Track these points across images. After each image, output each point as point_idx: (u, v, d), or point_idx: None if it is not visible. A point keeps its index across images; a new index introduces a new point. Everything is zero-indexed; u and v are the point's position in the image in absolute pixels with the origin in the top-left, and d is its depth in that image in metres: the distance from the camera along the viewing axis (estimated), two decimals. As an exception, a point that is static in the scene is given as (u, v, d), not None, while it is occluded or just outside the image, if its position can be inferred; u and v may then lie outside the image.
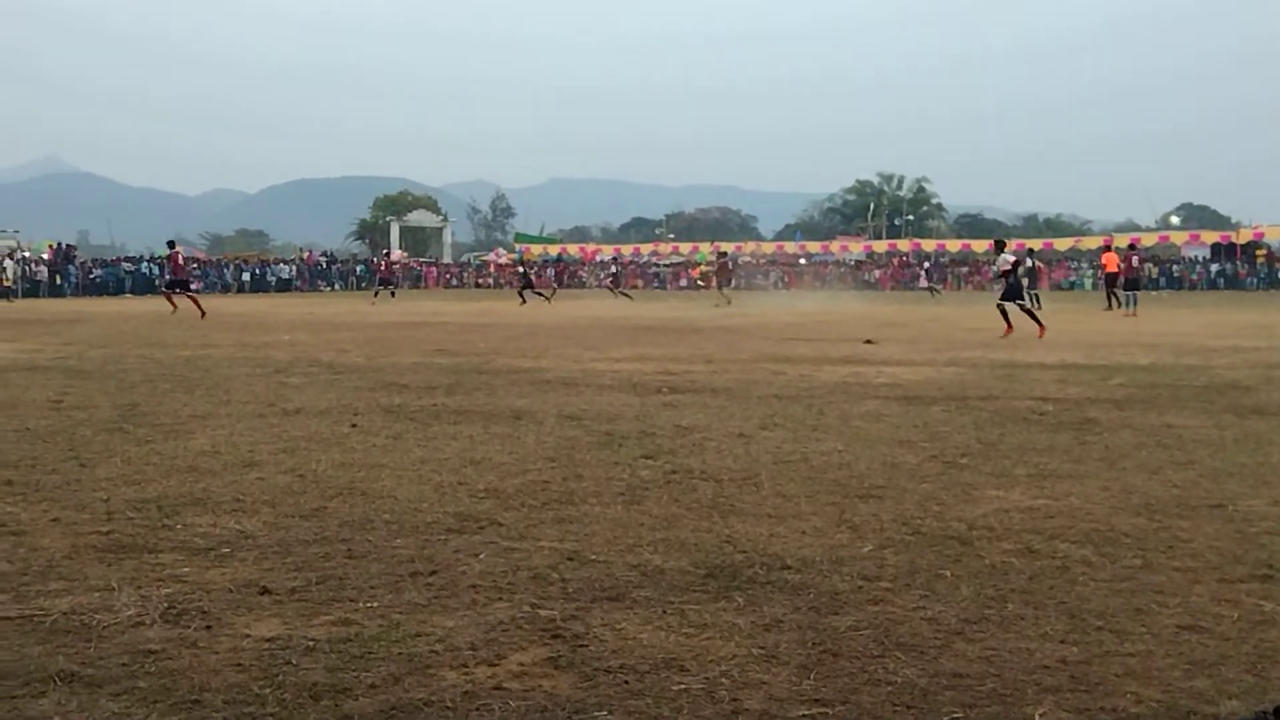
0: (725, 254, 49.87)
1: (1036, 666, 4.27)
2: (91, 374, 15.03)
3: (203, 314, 30.85)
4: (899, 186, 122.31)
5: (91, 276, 62.76)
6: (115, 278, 63.45)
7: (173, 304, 33.68)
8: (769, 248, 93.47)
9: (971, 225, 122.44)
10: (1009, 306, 23.29)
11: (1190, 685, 4.08)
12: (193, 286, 38.29)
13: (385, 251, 67.30)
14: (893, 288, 75.75)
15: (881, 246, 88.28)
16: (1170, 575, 5.43)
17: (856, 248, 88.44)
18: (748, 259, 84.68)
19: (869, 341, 20.84)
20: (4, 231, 72.65)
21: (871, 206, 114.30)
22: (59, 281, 60.05)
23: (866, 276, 79.83)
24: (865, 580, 5.35)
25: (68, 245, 70.31)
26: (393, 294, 50.09)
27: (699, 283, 70.16)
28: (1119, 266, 35.37)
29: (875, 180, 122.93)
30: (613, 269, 60.81)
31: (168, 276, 37.71)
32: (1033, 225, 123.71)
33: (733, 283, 46.58)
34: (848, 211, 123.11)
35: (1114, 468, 8.16)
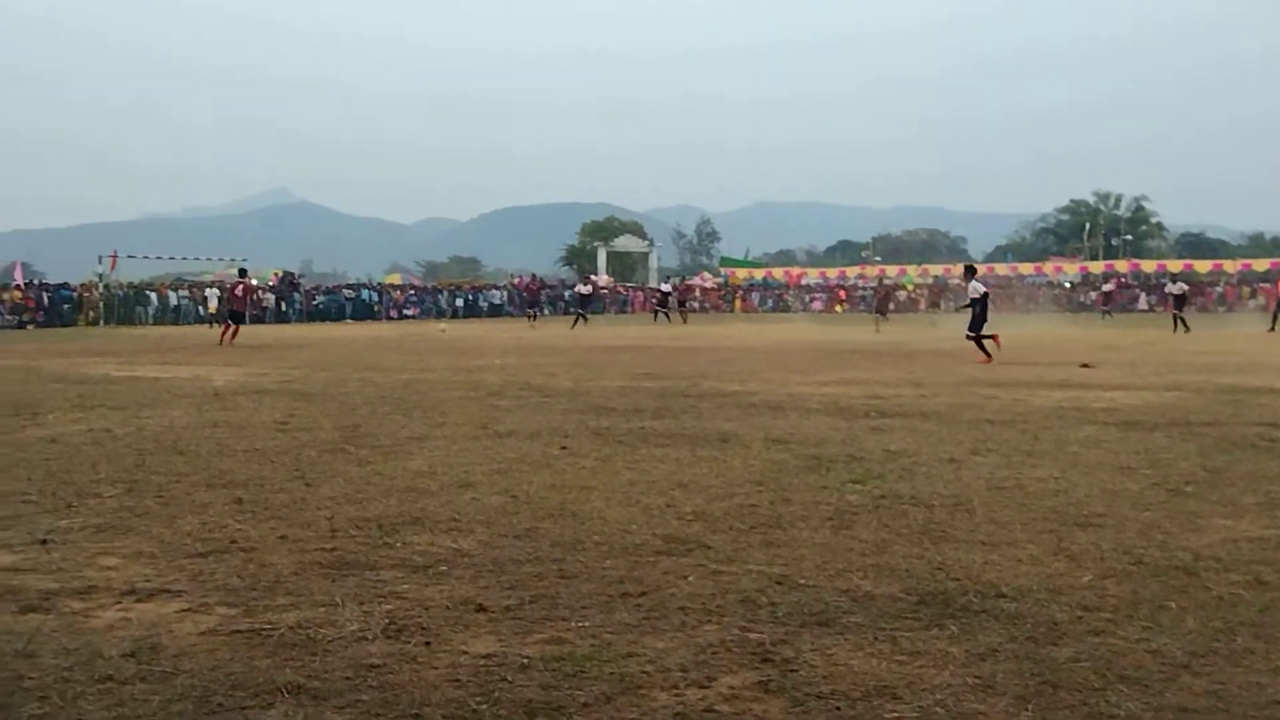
0: (883, 282, 48.60)
1: (1268, 702, 4.09)
2: (315, 397, 15.63)
3: (221, 340, 30.86)
4: (1116, 205, 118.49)
5: (315, 303, 65.20)
6: (337, 304, 65.83)
7: (223, 336, 31.73)
8: (979, 271, 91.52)
9: (1194, 245, 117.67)
10: (976, 336, 23.16)
11: None
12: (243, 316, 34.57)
13: (533, 275, 67.08)
14: (1110, 310, 73.30)
15: (1098, 267, 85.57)
16: None
17: (1071, 269, 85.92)
18: (956, 282, 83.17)
19: (1086, 365, 20.24)
20: (232, 261, 76.22)
21: (1087, 226, 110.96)
22: (284, 308, 62.60)
23: (1082, 298, 77.47)
24: (1085, 610, 5.19)
25: (291, 273, 73.35)
26: (533, 318, 49.49)
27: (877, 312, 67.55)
28: None
29: (1091, 199, 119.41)
30: (664, 288, 59.42)
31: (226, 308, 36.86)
32: (1259, 244, 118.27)
33: (888, 310, 44.93)
34: (1062, 232, 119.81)
35: (1353, 497, 7.75)
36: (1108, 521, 7.07)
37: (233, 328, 31.79)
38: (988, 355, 22.38)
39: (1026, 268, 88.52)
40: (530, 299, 52.38)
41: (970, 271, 26.43)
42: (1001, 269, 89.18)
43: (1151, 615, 5.12)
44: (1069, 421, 12.00)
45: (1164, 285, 57.32)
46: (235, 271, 41.27)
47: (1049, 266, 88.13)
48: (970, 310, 23.79)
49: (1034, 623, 5.02)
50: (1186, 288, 40.59)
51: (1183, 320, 36.75)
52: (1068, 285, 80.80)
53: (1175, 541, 6.52)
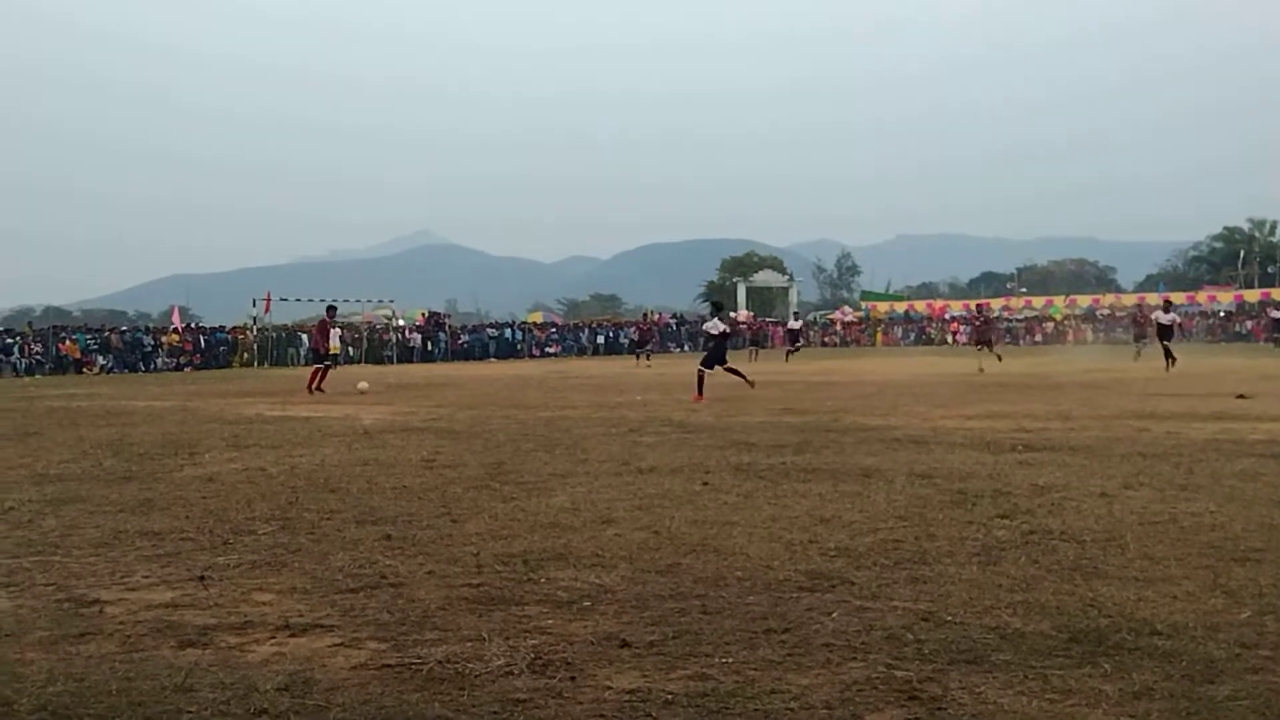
0: (983, 311, 43.10)
1: None
2: (460, 434, 15.87)
3: (310, 386, 27.54)
4: (1272, 232, 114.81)
5: (460, 342, 66.22)
6: (481, 343, 66.79)
7: (312, 385, 27.86)
8: (1129, 300, 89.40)
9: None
10: (711, 371, 22.93)
11: None
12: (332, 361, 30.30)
13: (645, 313, 66.31)
14: (1267, 339, 70.97)
15: (1254, 296, 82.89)
16: None
17: (1226, 298, 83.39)
18: (1105, 312, 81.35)
19: (1242, 396, 19.60)
20: (381, 301, 77.89)
21: (1241, 254, 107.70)
22: (430, 347, 63.76)
23: (1238, 328, 75.09)
24: (1243, 648, 5.03)
25: (438, 313, 74.74)
26: (646, 356, 47.59)
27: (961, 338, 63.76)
28: None
29: (1246, 226, 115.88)
30: (793, 325, 55.68)
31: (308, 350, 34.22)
32: None
33: (993, 342, 38.48)
34: (1215, 260, 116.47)
35: None
36: (1266, 556, 6.84)
37: (321, 371, 28.47)
38: (700, 393, 22.18)
39: (1179, 297, 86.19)
40: (641, 338, 51.79)
41: (716, 308, 26.29)
42: (1152, 299, 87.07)
43: (1315, 654, 4.94)
44: (1224, 454, 11.64)
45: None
46: (385, 313, 40.19)
47: (1202, 295, 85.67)
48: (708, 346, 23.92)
49: (1190, 660, 4.88)
50: None
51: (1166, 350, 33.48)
52: (1222, 314, 78.38)
53: (1340, 578, 6.28)
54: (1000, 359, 36.14)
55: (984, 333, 37.57)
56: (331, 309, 30.79)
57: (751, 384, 23.60)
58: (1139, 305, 44.46)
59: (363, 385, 27.94)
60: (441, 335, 65.84)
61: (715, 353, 23.66)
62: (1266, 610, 5.64)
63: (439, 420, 18.57)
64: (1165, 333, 34.67)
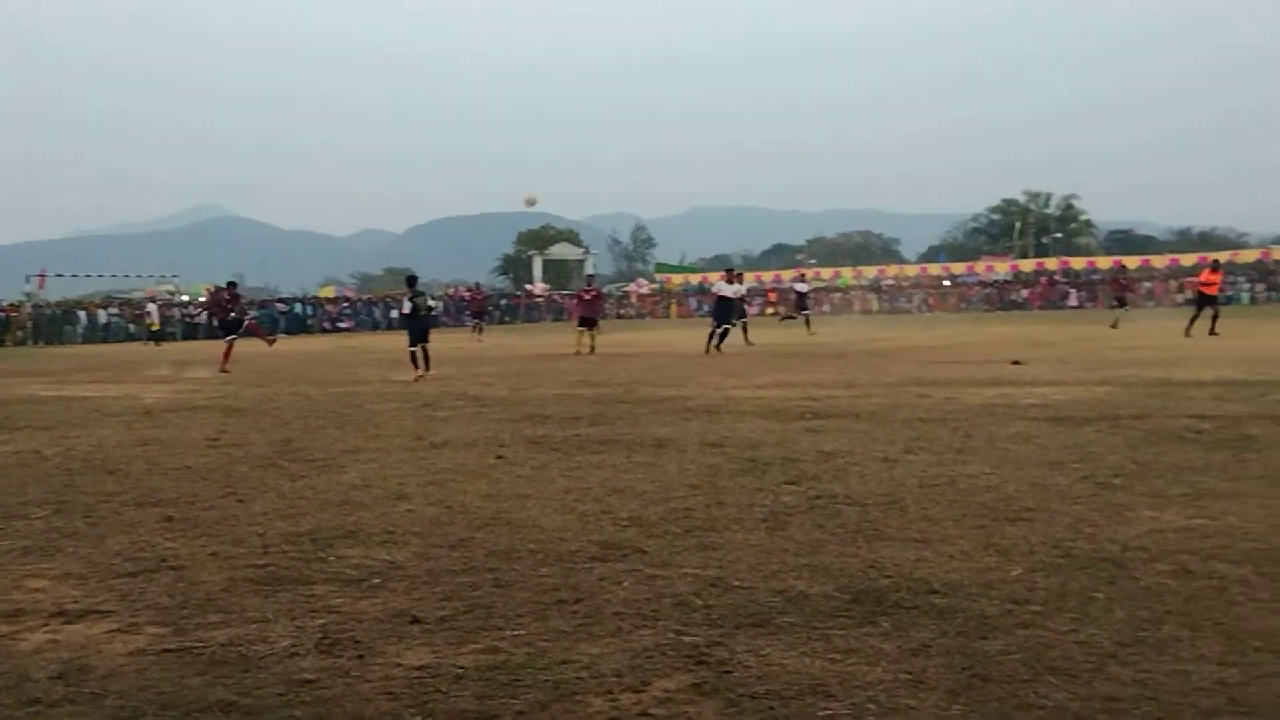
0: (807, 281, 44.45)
1: (1193, 689, 4.15)
2: (247, 412, 15.48)
3: (223, 367, 26.03)
4: (1046, 205, 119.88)
5: (250, 318, 64.45)
6: (269, 318, 65.15)
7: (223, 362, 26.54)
8: (912, 270, 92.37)
9: (1123, 242, 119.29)
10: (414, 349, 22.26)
11: (1358, 708, 3.94)
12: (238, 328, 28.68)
13: (477, 284, 65.67)
14: (1040, 307, 74.20)
15: (1029, 265, 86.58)
16: (1336, 595, 5.24)
17: (1003, 267, 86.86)
18: (890, 282, 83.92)
19: (1017, 362, 20.43)
20: (164, 277, 75.42)
21: (1017, 225, 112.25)
22: (216, 324, 61.93)
23: (1014, 296, 78.31)
24: (1015, 604, 5.25)
25: (223, 287, 72.67)
26: (478, 329, 45.50)
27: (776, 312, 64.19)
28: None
29: (1021, 199, 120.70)
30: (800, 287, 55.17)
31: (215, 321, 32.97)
32: (1186, 240, 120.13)
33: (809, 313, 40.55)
34: (993, 231, 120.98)
35: (1274, 485, 7.90)
36: (1037, 516, 7.15)
37: (228, 345, 27.36)
38: (416, 372, 21.49)
39: (959, 267, 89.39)
40: (477, 310, 51.12)
41: (410, 283, 24.78)
42: (934, 269, 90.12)
43: (1080, 607, 5.19)
44: (1000, 418, 12.12)
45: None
46: (168, 289, 39.19)
47: (980, 265, 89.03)
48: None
49: (965, 617, 5.07)
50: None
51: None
52: (999, 283, 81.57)
53: (1103, 534, 6.61)
54: (799, 326, 37.53)
55: (803, 303, 40.07)
56: (232, 284, 31.15)
57: (419, 378, 21.25)
58: (1121, 268, 45.37)
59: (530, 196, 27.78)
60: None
61: (412, 333, 22.72)
62: (1037, 567, 5.90)
63: (224, 398, 18.05)
64: (802, 302, 39.80)
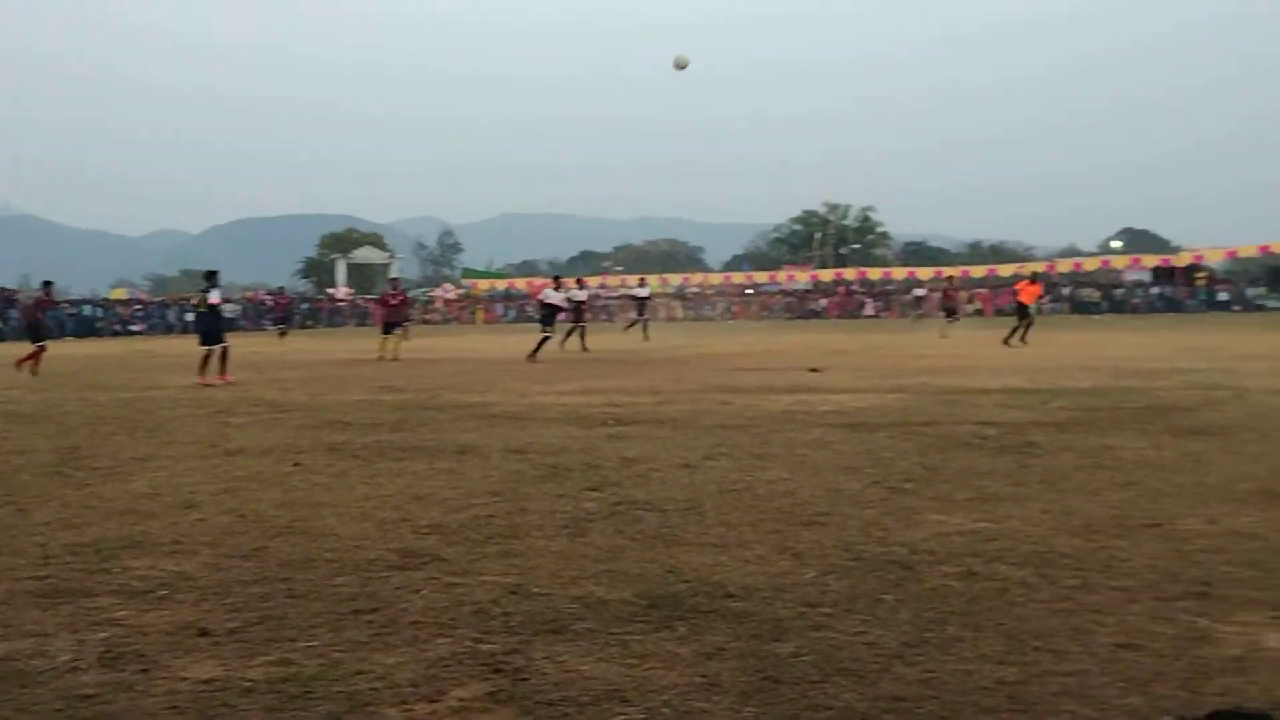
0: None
1: (975, 688, 4.30)
2: (31, 417, 14.85)
3: (28, 366, 24.93)
4: (844, 216, 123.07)
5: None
6: (57, 321, 62.65)
7: (31, 361, 25.26)
8: (716, 279, 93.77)
9: (917, 253, 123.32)
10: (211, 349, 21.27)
11: (1125, 703, 4.13)
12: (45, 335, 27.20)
13: (280, 289, 64.24)
14: (838, 316, 76.07)
15: (828, 275, 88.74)
16: (1107, 595, 5.49)
17: (803, 277, 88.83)
18: (695, 290, 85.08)
19: (815, 370, 20.92)
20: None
21: (817, 236, 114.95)
22: (1, 326, 59.27)
23: (814, 305, 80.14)
24: (807, 607, 5.36)
25: (8, 290, 69.58)
26: (281, 333, 45.20)
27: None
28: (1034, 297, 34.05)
29: (821, 210, 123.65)
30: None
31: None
32: (977, 252, 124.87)
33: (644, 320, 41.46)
34: (794, 241, 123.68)
35: (1054, 489, 8.24)
36: (831, 520, 7.32)
37: (35, 349, 25.64)
38: (208, 376, 20.72)
39: (761, 276, 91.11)
40: (281, 314, 50.03)
41: (209, 276, 22.83)
42: (738, 278, 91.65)
43: (869, 608, 5.32)
44: (798, 424, 12.38)
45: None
46: None
47: (782, 275, 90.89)
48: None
49: (759, 620, 5.16)
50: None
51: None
52: (799, 293, 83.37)
53: (893, 537, 6.80)
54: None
55: (642, 308, 41.99)
56: (47, 284, 29.53)
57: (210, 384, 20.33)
58: (950, 280, 46.27)
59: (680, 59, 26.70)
60: (12, 313, 61.28)
61: (209, 332, 21.69)
62: (829, 570, 6.03)
63: (6, 403, 17.28)
64: (641, 308, 41.97)
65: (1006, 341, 29.72)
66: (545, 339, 28.12)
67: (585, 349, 30.64)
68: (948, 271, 69.87)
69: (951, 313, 39.96)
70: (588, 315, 34.67)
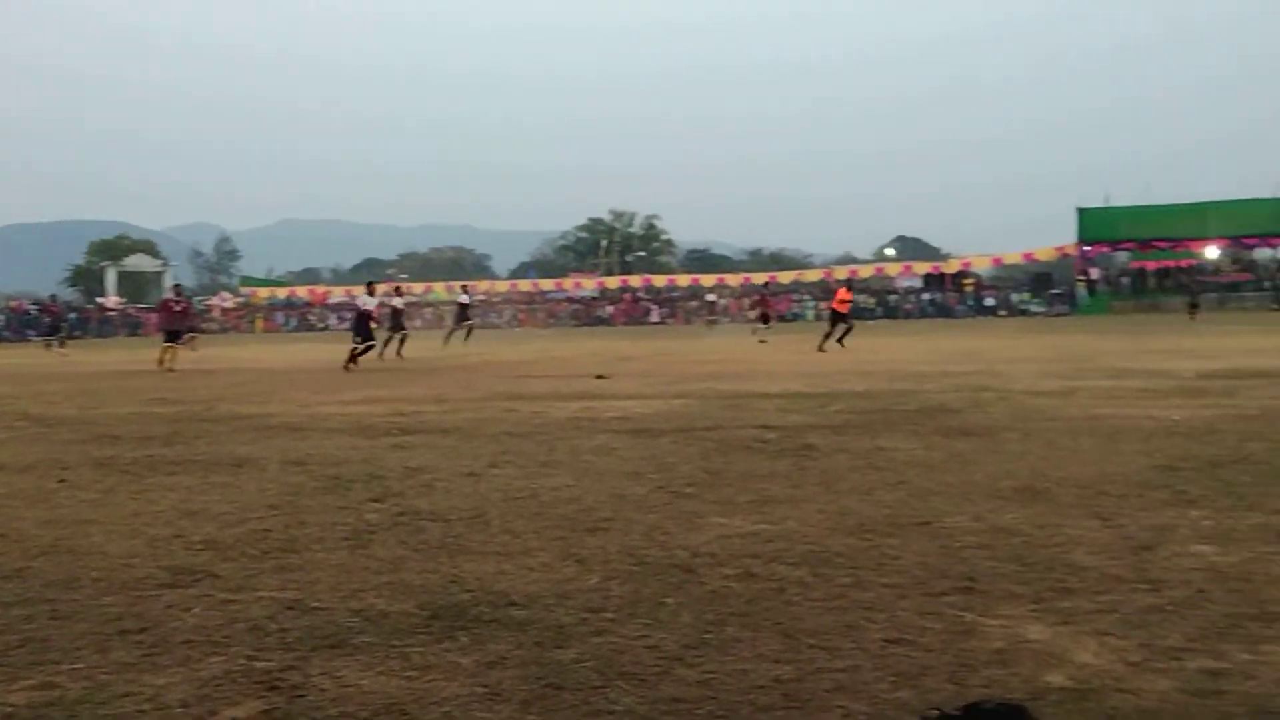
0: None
1: (751, 687, 4.38)
2: None
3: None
4: (630, 224, 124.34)
5: None
6: None
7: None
8: (503, 286, 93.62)
9: (701, 260, 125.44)
10: None
11: (895, 696, 4.26)
12: None
13: (53, 297, 62.01)
14: (625, 323, 76.79)
15: (614, 282, 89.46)
16: (879, 591, 5.65)
17: (590, 284, 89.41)
18: (482, 298, 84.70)
19: (601, 376, 21.05)
20: None
21: (603, 243, 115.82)
22: None
23: (600, 312, 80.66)
24: (590, 612, 5.38)
25: None
26: (60, 343, 44.14)
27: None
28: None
29: (607, 217, 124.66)
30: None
31: None
32: (758, 260, 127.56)
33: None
34: (581, 249, 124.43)
35: (830, 490, 8.45)
36: (615, 525, 7.36)
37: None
38: None
39: (548, 283, 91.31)
40: (53, 324, 48.02)
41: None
42: (525, 285, 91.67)
43: (651, 612, 5.37)
44: (583, 431, 12.44)
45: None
46: None
47: (569, 282, 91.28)
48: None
49: (541, 627, 5.15)
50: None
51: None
52: (586, 299, 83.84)
53: (675, 541, 6.87)
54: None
55: (464, 315, 41.78)
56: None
57: None
58: (765, 286, 46.71)
59: None
60: None
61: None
62: (612, 576, 6.07)
63: None
64: (464, 314, 41.96)
65: (821, 347, 30.52)
66: (368, 347, 27.52)
67: (400, 355, 30.22)
68: (760, 278, 71.32)
69: (766, 319, 40.91)
70: (406, 324, 34.25)
